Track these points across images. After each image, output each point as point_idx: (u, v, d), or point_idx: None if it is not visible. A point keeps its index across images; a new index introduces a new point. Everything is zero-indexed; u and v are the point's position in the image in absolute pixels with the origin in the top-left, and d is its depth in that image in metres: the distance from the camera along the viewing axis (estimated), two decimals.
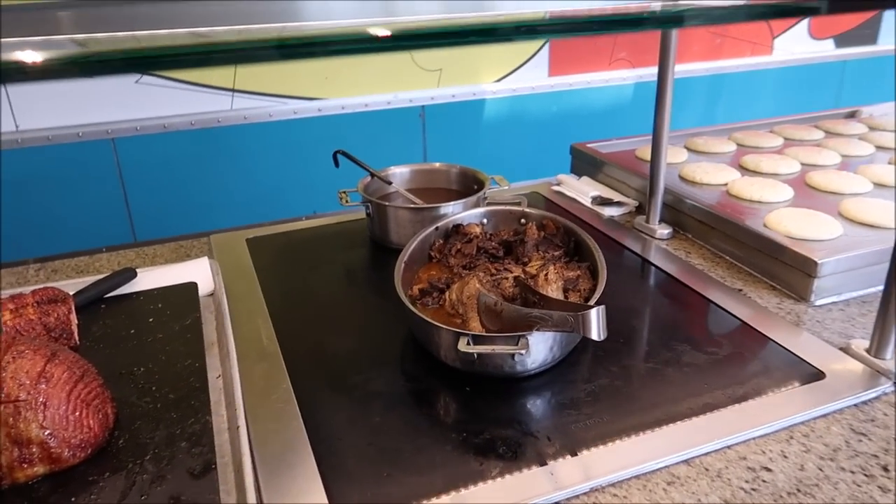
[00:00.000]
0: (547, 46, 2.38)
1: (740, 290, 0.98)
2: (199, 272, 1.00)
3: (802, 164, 1.30)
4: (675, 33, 1.06)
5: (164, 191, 2.01)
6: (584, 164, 1.43)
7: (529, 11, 0.73)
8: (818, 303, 0.94)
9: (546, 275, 0.88)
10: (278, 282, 1.03)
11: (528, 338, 0.74)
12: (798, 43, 2.76)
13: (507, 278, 0.90)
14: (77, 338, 0.82)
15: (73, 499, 0.58)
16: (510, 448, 0.68)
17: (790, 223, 1.01)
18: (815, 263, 0.92)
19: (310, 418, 0.73)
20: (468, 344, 0.74)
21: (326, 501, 0.62)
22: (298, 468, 0.66)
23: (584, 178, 1.38)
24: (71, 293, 0.89)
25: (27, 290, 0.83)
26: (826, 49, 2.77)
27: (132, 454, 0.63)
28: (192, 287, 0.95)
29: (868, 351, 0.80)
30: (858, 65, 2.81)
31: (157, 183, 2.00)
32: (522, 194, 1.36)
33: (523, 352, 0.74)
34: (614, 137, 1.47)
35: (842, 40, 2.79)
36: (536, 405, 0.75)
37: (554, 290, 0.87)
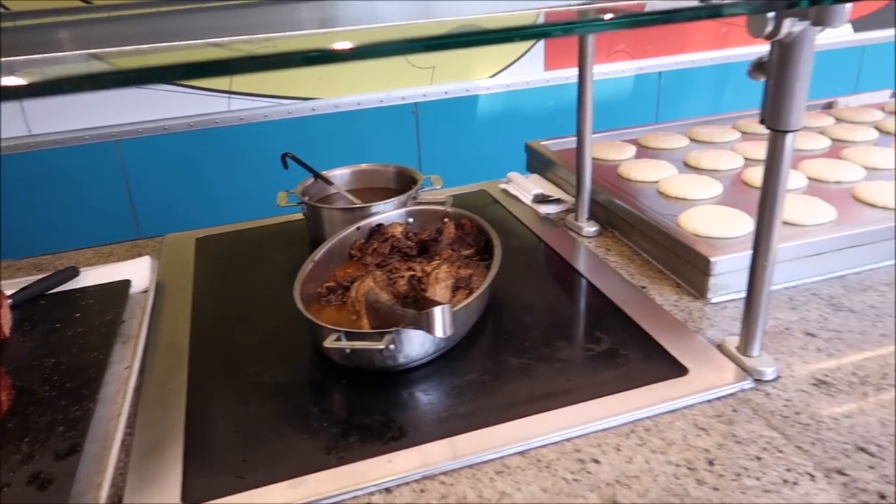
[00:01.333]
0: (542, 41, 2.39)
1: (644, 287, 1.00)
2: (138, 270, 1.09)
3: (746, 160, 1.29)
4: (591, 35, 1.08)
5: (166, 189, 2.12)
6: (537, 161, 1.45)
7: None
8: (714, 300, 0.95)
9: (437, 274, 0.93)
10: (211, 279, 1.11)
11: (394, 335, 0.78)
12: None
13: (402, 277, 0.95)
14: (7, 331, 0.91)
15: None
16: (360, 437, 0.73)
17: (699, 221, 1.02)
18: (708, 261, 0.93)
19: (193, 407, 0.80)
20: (337, 339, 0.79)
21: (181, 481, 0.68)
22: (167, 452, 0.73)
23: (533, 176, 1.41)
24: (15, 290, 0.99)
25: None
26: (844, 34, 2.68)
27: (14, 436, 0.71)
28: (124, 285, 1.03)
29: (738, 349, 0.82)
30: (875, 50, 2.71)
31: (160, 182, 2.11)
32: (471, 192, 1.41)
33: (391, 347, 0.78)
34: (570, 135, 1.48)
35: (860, 24, 2.69)
36: (402, 398, 0.80)
37: (442, 289, 0.91)
